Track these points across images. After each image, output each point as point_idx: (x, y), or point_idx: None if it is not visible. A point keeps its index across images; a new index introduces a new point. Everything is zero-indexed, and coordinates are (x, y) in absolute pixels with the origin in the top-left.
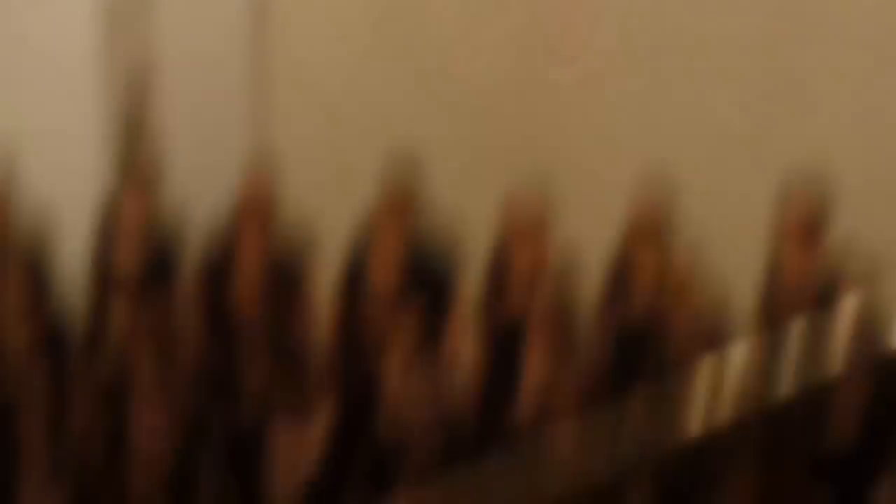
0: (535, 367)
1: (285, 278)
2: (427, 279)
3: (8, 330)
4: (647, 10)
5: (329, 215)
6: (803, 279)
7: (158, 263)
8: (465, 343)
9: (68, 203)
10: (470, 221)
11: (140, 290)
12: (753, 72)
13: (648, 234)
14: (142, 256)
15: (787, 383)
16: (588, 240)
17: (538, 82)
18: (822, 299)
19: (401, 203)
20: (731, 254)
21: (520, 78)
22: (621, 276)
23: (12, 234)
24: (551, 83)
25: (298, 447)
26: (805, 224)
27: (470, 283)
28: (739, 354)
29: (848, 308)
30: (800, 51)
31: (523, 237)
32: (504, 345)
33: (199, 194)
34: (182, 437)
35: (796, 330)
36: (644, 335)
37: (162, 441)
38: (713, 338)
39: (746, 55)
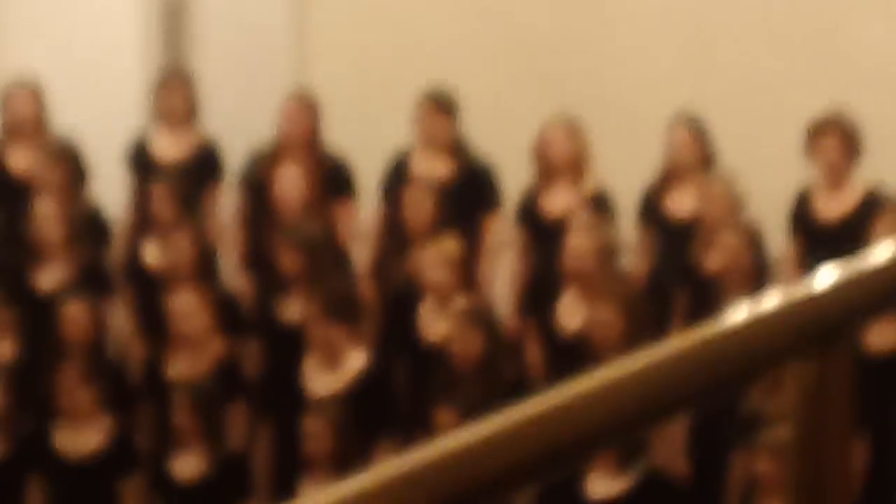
0: (570, 309)
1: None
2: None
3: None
4: None
5: (364, 153)
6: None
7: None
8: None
9: (101, 138)
10: (507, 158)
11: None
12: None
13: (684, 170)
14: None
15: None
16: (623, 178)
17: (573, 25)
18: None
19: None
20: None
21: (555, 20)
22: (657, 214)
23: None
24: (587, 27)
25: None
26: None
27: (507, 217)
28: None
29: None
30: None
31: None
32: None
33: (241, 131)
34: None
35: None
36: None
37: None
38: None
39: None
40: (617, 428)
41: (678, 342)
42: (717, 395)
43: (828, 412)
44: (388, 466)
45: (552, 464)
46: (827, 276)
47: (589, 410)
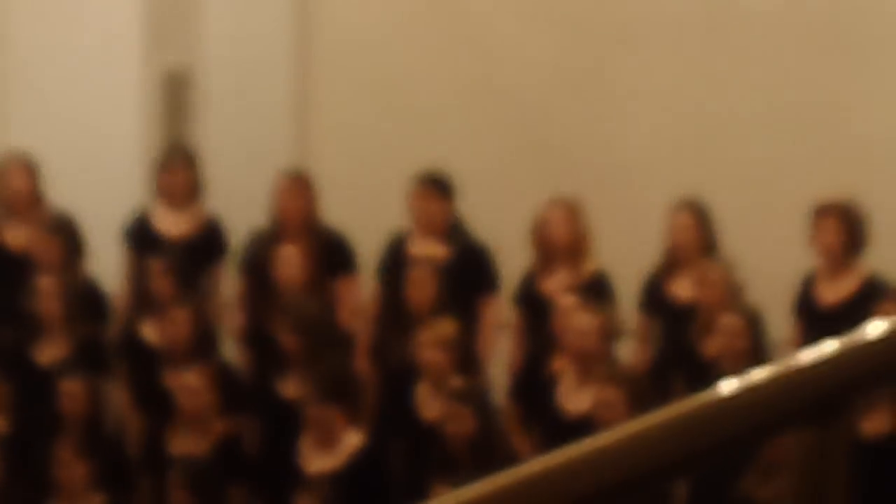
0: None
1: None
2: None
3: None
4: (673, 38)
5: (363, 231)
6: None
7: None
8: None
9: (101, 214)
10: (504, 238)
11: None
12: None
13: (685, 255)
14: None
15: None
16: (623, 263)
17: (575, 107)
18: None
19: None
20: (764, 277)
21: (557, 102)
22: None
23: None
24: (588, 103)
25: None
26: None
27: (504, 297)
28: None
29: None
30: (835, 77)
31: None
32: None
33: (240, 207)
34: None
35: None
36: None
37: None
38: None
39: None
40: (610, 491)
41: (672, 409)
42: (711, 462)
43: (826, 487)
44: None
45: None
46: (820, 350)
47: (581, 475)
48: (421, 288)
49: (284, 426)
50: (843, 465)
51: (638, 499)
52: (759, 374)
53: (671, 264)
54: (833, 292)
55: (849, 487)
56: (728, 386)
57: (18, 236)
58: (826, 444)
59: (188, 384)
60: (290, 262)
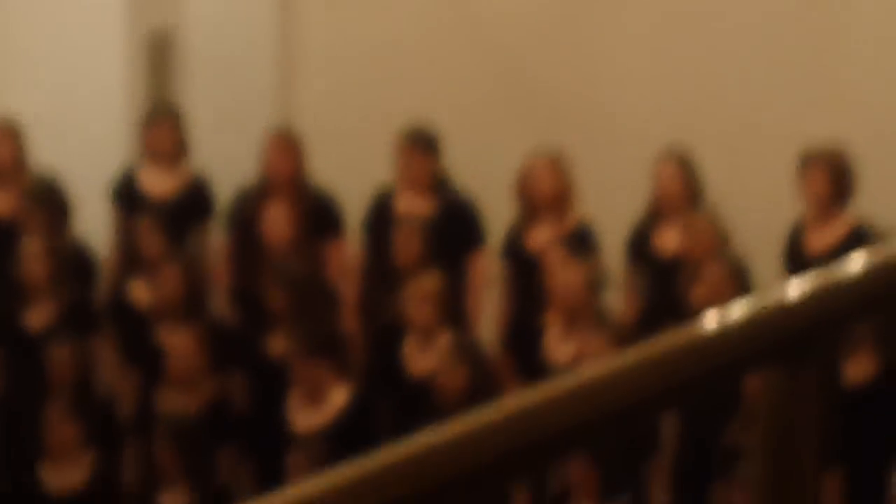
0: (556, 342)
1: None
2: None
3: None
4: None
5: (349, 187)
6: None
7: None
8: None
9: (87, 174)
10: (490, 192)
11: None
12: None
13: (671, 206)
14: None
15: None
16: (608, 213)
17: (560, 58)
18: None
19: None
20: (752, 225)
21: (542, 54)
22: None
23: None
24: (572, 54)
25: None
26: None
27: (491, 251)
28: None
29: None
30: (822, 22)
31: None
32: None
33: (226, 166)
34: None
35: None
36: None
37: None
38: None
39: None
40: (586, 431)
41: (646, 348)
42: (688, 399)
43: (796, 421)
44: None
45: (523, 464)
46: (802, 285)
47: (557, 413)
48: (407, 244)
49: (272, 384)
50: (816, 404)
51: (620, 434)
52: (735, 310)
53: (657, 215)
54: (820, 240)
55: (821, 428)
56: (702, 322)
57: (3, 203)
58: (798, 382)
59: (178, 344)
60: (278, 220)
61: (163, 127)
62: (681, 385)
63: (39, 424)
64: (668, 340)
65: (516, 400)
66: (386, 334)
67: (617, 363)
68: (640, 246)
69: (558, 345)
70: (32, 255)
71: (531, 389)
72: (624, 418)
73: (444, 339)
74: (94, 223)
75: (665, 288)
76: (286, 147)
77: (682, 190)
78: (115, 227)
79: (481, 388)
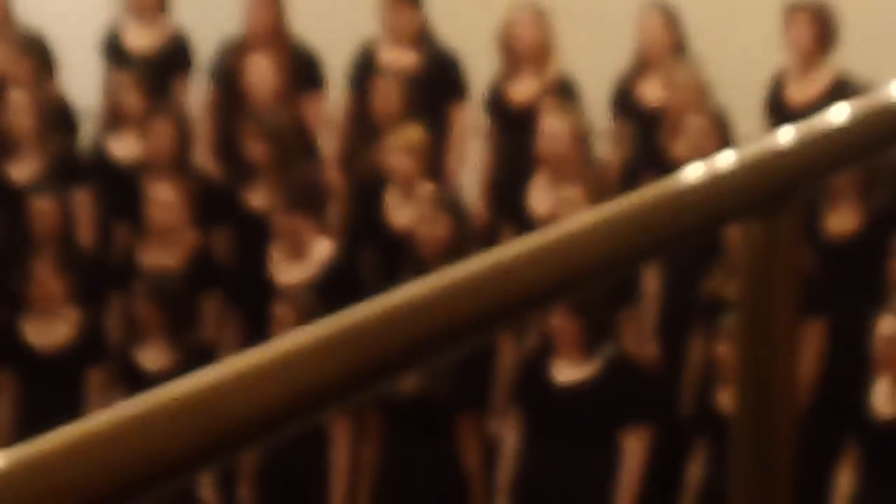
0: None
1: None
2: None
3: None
4: None
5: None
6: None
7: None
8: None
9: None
10: (473, 44)
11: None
12: None
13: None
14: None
15: None
16: (592, 66)
17: None
18: None
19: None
20: (734, 77)
21: None
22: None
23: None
24: None
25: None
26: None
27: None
28: None
29: None
30: None
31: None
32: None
33: (209, 21)
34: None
35: None
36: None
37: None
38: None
39: None
40: (567, 283)
41: (629, 199)
42: (670, 251)
43: (774, 273)
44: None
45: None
46: (780, 137)
47: (539, 265)
48: (387, 97)
49: (256, 237)
50: (796, 255)
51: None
52: (717, 161)
53: (641, 67)
54: (803, 91)
55: (800, 279)
56: (684, 174)
57: None
58: (779, 233)
59: (162, 198)
60: (261, 72)
61: None
62: (662, 237)
63: (24, 278)
64: (649, 192)
65: (498, 253)
66: (368, 187)
67: (598, 215)
68: (624, 98)
69: (540, 196)
70: (19, 106)
71: (513, 242)
72: (606, 270)
73: (423, 191)
74: (79, 78)
75: (648, 139)
76: (267, 1)
77: (666, 42)
78: (104, 81)
79: (462, 238)
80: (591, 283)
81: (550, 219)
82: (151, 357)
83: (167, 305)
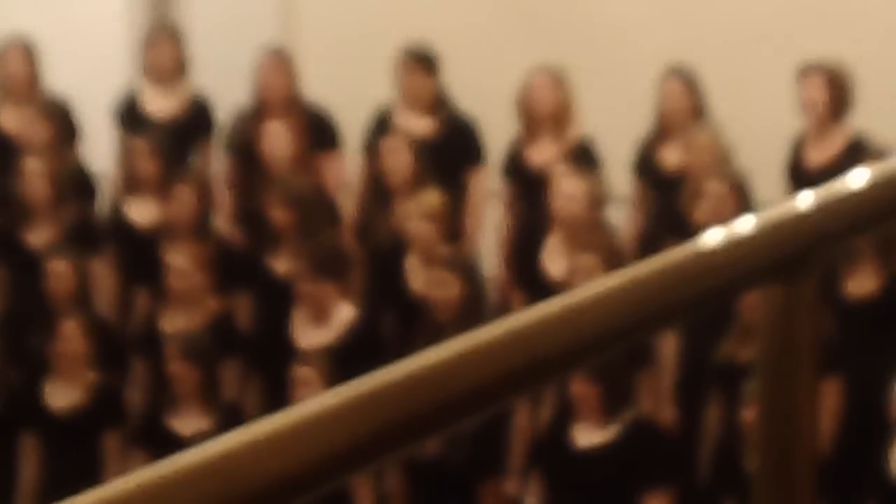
0: (554, 256)
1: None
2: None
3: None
4: None
5: (350, 106)
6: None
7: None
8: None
9: (90, 96)
10: (490, 109)
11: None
12: None
13: (676, 122)
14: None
15: None
16: (612, 130)
17: None
18: None
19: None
20: (755, 140)
21: None
22: (651, 166)
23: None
24: None
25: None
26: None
27: (490, 165)
28: None
29: None
30: None
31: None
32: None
33: (226, 86)
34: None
35: None
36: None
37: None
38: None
39: None
40: (588, 348)
41: (649, 264)
42: (690, 316)
43: (794, 336)
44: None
45: (524, 382)
46: (800, 201)
47: (560, 331)
48: (396, 160)
49: (277, 302)
50: (815, 319)
51: (621, 352)
52: (737, 226)
53: (662, 132)
54: (820, 153)
55: (819, 342)
56: (704, 239)
57: (12, 120)
58: (799, 297)
59: (182, 263)
60: (277, 137)
61: (163, 46)
62: (682, 302)
63: (42, 342)
64: (668, 257)
65: (518, 318)
66: (386, 253)
67: (618, 280)
68: (645, 162)
69: (557, 259)
70: (36, 174)
71: (533, 308)
72: (626, 336)
73: (437, 254)
74: (97, 145)
75: (669, 204)
76: (279, 65)
77: (687, 107)
78: (119, 147)
79: (476, 299)
80: (611, 348)
81: (565, 282)
82: (186, 421)
83: (201, 364)
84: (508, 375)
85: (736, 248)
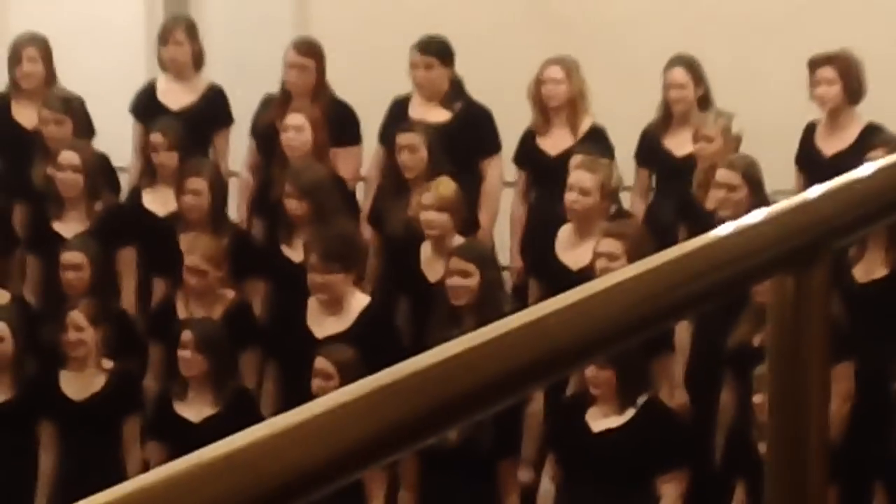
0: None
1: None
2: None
3: None
4: None
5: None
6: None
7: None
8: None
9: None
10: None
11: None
12: None
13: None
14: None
15: None
16: (620, 119)
17: None
18: None
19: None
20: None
21: None
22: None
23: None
24: None
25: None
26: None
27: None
28: None
29: None
30: None
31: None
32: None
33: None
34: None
35: None
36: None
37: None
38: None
39: None
40: (605, 338)
41: (663, 256)
42: (705, 306)
43: (806, 324)
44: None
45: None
46: (811, 192)
47: (577, 321)
48: (412, 150)
49: (294, 291)
50: (822, 310)
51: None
52: (750, 217)
53: (668, 120)
54: (833, 142)
55: (830, 329)
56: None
57: (29, 116)
58: (810, 286)
59: (199, 253)
60: (298, 129)
61: (179, 39)
62: (697, 293)
63: (62, 331)
64: (683, 249)
65: (536, 310)
66: (401, 242)
67: (634, 272)
68: (651, 149)
69: (572, 249)
70: (68, 165)
71: (551, 300)
72: (642, 326)
73: (453, 243)
74: (116, 139)
75: (677, 190)
76: (306, 57)
77: (693, 94)
78: (137, 140)
79: (492, 287)
80: (627, 338)
81: (580, 271)
82: (195, 407)
83: (212, 352)
84: (529, 364)
85: (749, 239)
